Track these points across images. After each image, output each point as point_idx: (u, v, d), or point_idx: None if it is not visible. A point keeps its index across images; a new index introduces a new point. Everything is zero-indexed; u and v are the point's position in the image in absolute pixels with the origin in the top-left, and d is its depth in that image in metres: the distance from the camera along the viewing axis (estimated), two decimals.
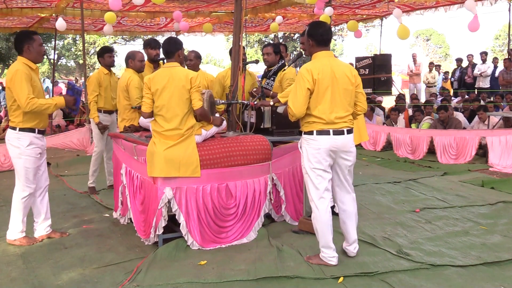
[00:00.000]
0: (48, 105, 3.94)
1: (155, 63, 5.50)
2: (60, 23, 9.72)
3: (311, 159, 3.38)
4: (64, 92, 19.74)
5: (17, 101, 3.87)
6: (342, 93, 3.38)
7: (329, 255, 3.45)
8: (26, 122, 3.96)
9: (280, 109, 3.81)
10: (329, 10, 8.83)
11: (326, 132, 3.36)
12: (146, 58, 5.46)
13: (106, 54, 5.87)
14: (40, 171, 4.13)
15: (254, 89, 5.04)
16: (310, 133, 3.40)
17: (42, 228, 4.21)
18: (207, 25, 11.35)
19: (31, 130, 3.98)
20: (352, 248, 3.57)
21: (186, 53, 5.22)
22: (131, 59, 5.32)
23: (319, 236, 3.47)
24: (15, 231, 4.06)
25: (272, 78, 5.14)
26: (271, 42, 26.10)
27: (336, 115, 3.36)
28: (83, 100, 10.38)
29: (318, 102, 3.35)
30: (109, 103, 5.79)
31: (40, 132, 4.06)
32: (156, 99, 3.87)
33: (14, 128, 3.99)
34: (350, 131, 3.45)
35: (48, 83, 19.22)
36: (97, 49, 31.21)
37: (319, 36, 3.44)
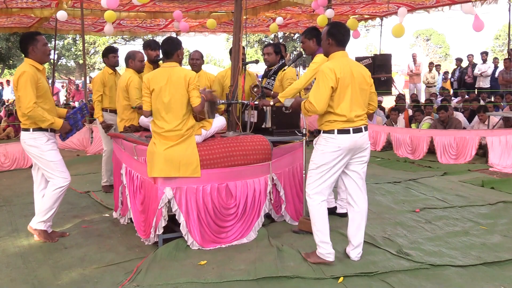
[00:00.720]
0: (45, 120, 3.94)
1: (154, 64, 5.50)
2: (62, 14, 9.72)
3: (328, 157, 3.39)
4: (61, 92, 19.49)
5: (20, 103, 3.87)
6: (359, 92, 3.43)
7: (327, 250, 3.45)
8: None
9: (287, 102, 3.79)
10: (329, 12, 8.84)
11: (347, 131, 3.39)
12: (145, 58, 5.47)
13: (110, 54, 5.88)
14: (63, 162, 4.17)
15: (255, 89, 5.04)
16: (331, 132, 3.41)
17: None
18: (211, 20, 11.31)
19: (44, 129, 4.03)
20: (356, 252, 3.56)
21: (186, 52, 5.24)
22: (131, 59, 5.32)
23: (317, 229, 3.47)
24: (38, 220, 4.09)
25: (272, 78, 5.15)
26: (271, 42, 26.12)
27: (356, 113, 3.41)
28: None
29: (340, 100, 3.37)
30: (115, 102, 5.79)
31: (52, 130, 4.10)
32: (155, 99, 3.87)
33: (27, 130, 4.02)
34: (366, 129, 3.51)
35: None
36: (97, 49, 31.32)
37: (340, 36, 3.48)
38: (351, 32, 11.26)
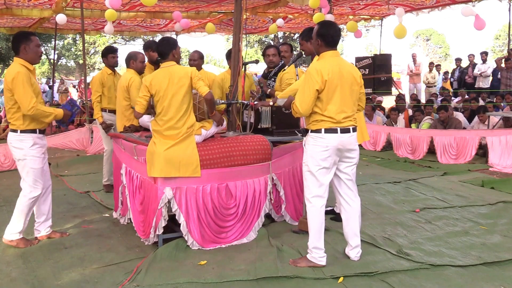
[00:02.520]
0: (48, 114, 3.96)
1: (156, 64, 5.50)
2: (61, 17, 9.73)
3: (317, 157, 3.38)
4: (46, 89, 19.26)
5: (20, 104, 3.84)
6: (348, 93, 3.41)
7: (319, 255, 3.44)
8: (27, 124, 3.95)
9: (280, 102, 3.79)
10: (329, 17, 8.82)
11: (334, 131, 3.38)
12: (146, 59, 5.47)
13: (109, 55, 5.86)
14: (43, 171, 4.12)
15: (257, 87, 5.02)
16: (318, 131, 3.40)
17: (42, 228, 4.20)
18: (210, 25, 11.33)
19: (33, 131, 3.98)
20: (355, 252, 3.56)
21: (186, 52, 5.23)
22: (133, 60, 5.32)
23: (312, 235, 3.45)
24: (14, 231, 4.03)
25: (273, 79, 5.15)
26: (272, 43, 26.12)
27: (345, 114, 3.39)
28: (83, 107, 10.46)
29: (328, 102, 3.36)
30: (114, 102, 5.78)
31: (41, 132, 4.06)
32: (158, 100, 3.86)
33: (15, 131, 3.98)
34: (355, 129, 3.48)
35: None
36: (97, 49, 31.30)
37: (329, 37, 3.45)
38: (353, 32, 11.26)
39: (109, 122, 5.78)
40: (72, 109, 4.21)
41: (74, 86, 20.95)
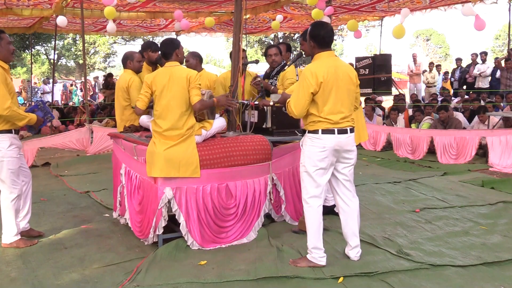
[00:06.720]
0: (23, 117, 3.90)
1: (154, 65, 5.47)
2: (61, 19, 9.72)
3: (314, 157, 3.38)
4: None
5: None
6: (345, 93, 3.41)
7: (319, 255, 3.45)
8: (3, 124, 3.88)
9: (274, 97, 3.80)
10: (328, 10, 8.75)
11: (331, 131, 3.38)
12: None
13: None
14: (21, 170, 4.07)
15: (257, 79, 4.98)
16: (315, 132, 3.40)
17: (22, 225, 4.15)
18: (209, 19, 11.27)
19: (8, 131, 3.92)
20: (355, 252, 3.56)
21: (186, 52, 5.18)
22: (130, 60, 5.29)
23: (310, 236, 3.45)
24: (10, 234, 4.01)
25: (275, 78, 5.15)
26: (272, 43, 26.10)
27: (342, 115, 3.39)
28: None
29: (324, 103, 3.36)
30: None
31: (16, 132, 4.01)
32: (157, 99, 3.87)
33: None
34: (352, 130, 3.48)
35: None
36: (97, 49, 31.29)
37: (321, 38, 3.44)
38: (353, 32, 11.23)
39: None
40: (44, 116, 4.16)
41: (62, 86, 20.79)
